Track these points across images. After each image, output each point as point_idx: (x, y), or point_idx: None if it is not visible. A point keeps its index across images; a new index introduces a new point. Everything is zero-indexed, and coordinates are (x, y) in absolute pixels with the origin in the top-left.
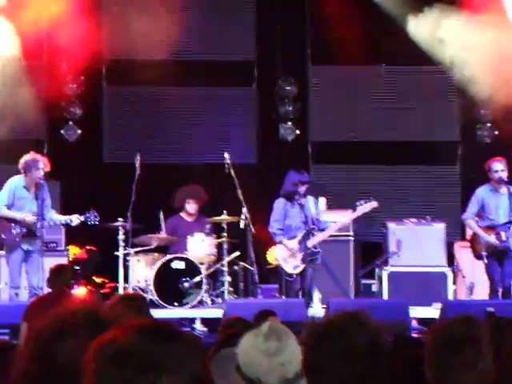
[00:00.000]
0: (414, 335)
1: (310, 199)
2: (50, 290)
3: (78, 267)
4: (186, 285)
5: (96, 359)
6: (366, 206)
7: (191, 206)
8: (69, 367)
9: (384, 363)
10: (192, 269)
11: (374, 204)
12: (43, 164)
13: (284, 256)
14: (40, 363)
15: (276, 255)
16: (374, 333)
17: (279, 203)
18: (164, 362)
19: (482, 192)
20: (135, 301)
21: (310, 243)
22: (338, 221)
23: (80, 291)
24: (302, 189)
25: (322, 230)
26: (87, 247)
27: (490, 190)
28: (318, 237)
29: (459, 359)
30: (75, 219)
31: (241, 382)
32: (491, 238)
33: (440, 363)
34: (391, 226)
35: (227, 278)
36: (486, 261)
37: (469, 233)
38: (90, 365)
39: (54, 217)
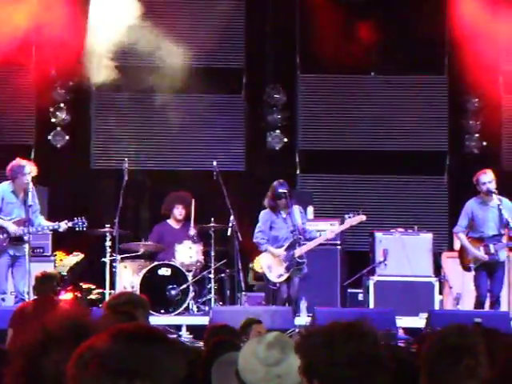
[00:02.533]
0: (401, 345)
1: (297, 209)
2: (35, 297)
3: (65, 273)
4: (173, 292)
5: (74, 365)
6: (353, 219)
7: (179, 212)
8: (54, 381)
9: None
10: (179, 276)
11: (362, 217)
12: (29, 169)
13: (269, 264)
14: (26, 378)
15: (261, 263)
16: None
17: (264, 215)
18: (138, 366)
19: (471, 204)
20: (123, 306)
21: (297, 253)
22: (326, 230)
23: (67, 297)
24: (283, 202)
25: (309, 239)
26: (74, 253)
27: (479, 203)
28: (305, 247)
29: (459, 368)
30: (63, 225)
31: None
32: (479, 252)
33: (439, 373)
34: (378, 235)
35: (214, 286)
36: (474, 273)
37: (457, 244)
38: (70, 371)
39: (43, 223)
